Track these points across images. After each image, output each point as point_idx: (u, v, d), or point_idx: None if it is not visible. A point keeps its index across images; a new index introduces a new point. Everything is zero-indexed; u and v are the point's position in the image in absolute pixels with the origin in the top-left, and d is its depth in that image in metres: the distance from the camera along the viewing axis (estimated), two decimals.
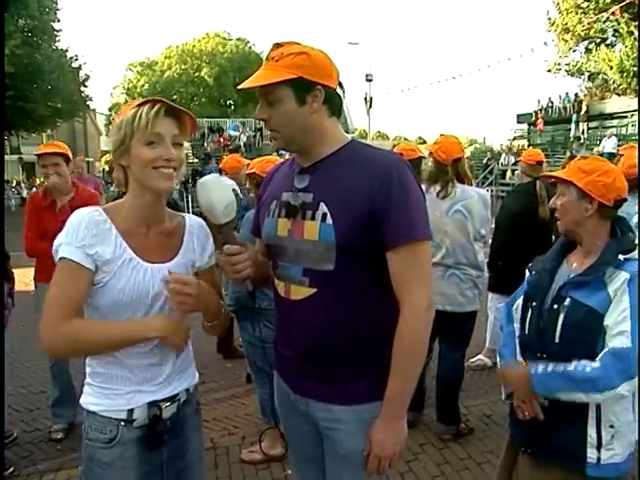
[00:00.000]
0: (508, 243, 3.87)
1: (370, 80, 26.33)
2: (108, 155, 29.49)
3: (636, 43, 17.86)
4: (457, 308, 3.23)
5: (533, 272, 1.91)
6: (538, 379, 1.67)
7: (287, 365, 1.62)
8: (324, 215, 1.41)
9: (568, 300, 1.70)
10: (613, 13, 14.48)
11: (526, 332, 1.85)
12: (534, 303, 1.82)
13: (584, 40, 21.31)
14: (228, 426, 3.57)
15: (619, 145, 15.83)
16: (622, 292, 1.62)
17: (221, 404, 3.95)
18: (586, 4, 19.83)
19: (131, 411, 1.46)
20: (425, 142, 66.64)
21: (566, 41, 20.81)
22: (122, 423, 1.45)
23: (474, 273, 3.25)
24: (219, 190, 1.45)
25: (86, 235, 1.36)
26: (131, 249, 1.43)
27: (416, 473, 3.05)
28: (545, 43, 18.59)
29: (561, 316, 1.70)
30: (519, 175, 4.85)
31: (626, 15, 16.43)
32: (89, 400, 1.48)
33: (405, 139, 69.22)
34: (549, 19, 21.62)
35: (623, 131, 18.87)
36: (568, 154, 12.39)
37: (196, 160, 25.30)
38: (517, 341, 1.91)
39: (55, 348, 1.47)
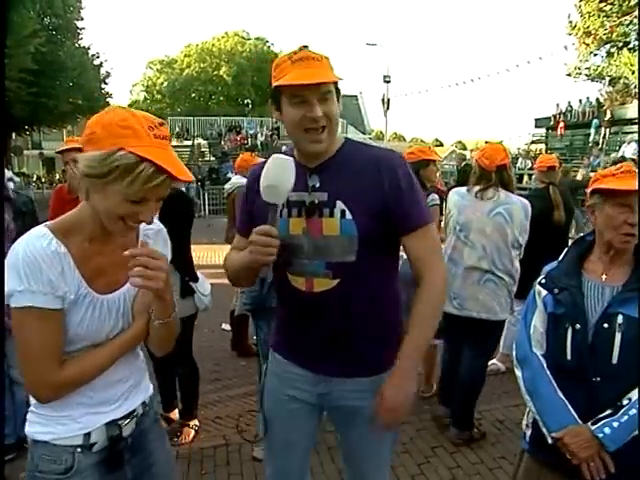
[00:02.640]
0: (524, 248, 3.86)
1: (388, 81, 26.24)
2: None
3: None
4: (492, 316, 3.19)
5: (556, 290, 1.74)
6: (609, 439, 1.57)
7: (304, 352, 1.72)
8: (343, 212, 1.55)
9: (621, 317, 1.61)
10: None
11: (568, 357, 1.69)
12: (577, 325, 1.67)
13: (606, 44, 20.97)
14: (241, 423, 3.60)
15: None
16: None
17: (234, 401, 3.99)
18: (609, 7, 19.56)
19: (88, 435, 1.35)
20: (442, 144, 66.68)
21: (587, 45, 20.50)
22: (78, 449, 1.34)
23: (508, 280, 3.20)
24: (268, 168, 1.48)
25: (49, 277, 1.21)
26: (84, 279, 1.28)
27: (427, 476, 3.06)
28: (565, 47, 18.37)
29: (617, 335, 1.60)
30: (536, 180, 4.84)
31: None
32: (37, 429, 1.34)
33: (422, 141, 68.89)
34: (570, 22, 21.34)
35: None
36: (586, 160, 12.28)
37: (213, 158, 25.48)
38: (548, 370, 1.74)
39: (59, 396, 1.31)
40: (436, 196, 3.69)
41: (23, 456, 3.07)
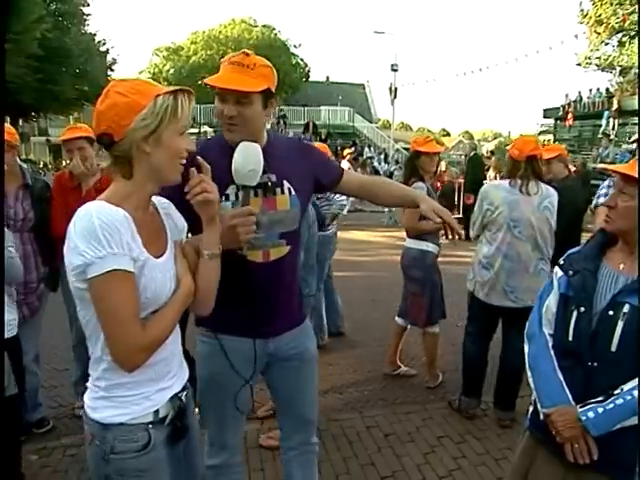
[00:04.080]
0: None
1: (395, 70, 26.09)
2: None
3: None
4: None
5: (571, 272, 1.76)
6: (592, 423, 1.59)
7: (249, 322, 1.90)
8: (289, 189, 1.88)
9: (627, 307, 1.60)
10: None
11: (570, 338, 1.72)
12: (582, 308, 1.69)
13: (617, 33, 20.67)
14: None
15: None
16: None
17: None
18: None
19: (157, 411, 1.44)
20: (449, 134, 66.33)
21: (598, 34, 20.23)
22: (150, 425, 1.42)
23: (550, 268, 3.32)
24: (246, 154, 1.66)
25: (126, 239, 1.28)
26: (142, 244, 1.35)
27: (432, 465, 3.06)
28: (576, 36, 18.15)
29: (619, 323, 1.60)
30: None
31: None
32: (110, 413, 1.38)
33: (429, 131, 68.72)
34: (582, 10, 21.06)
35: None
36: (595, 151, 12.16)
37: None
38: (552, 350, 1.78)
39: (146, 359, 1.36)
40: (422, 184, 3.74)
41: (31, 440, 3.14)
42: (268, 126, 2.00)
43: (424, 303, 3.90)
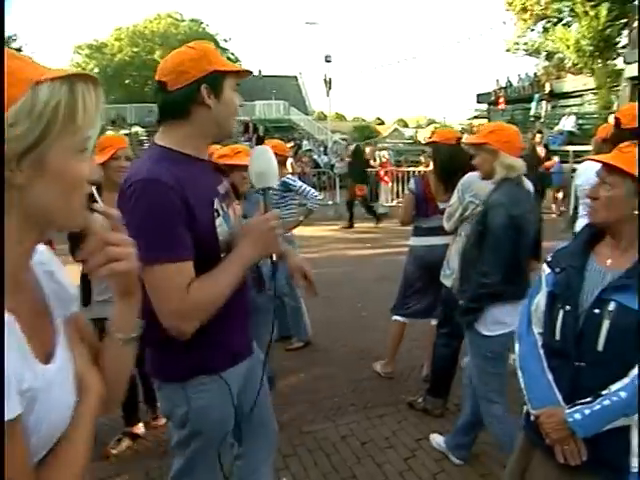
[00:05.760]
0: None
1: (329, 61, 25.98)
2: None
3: (593, 23, 18.17)
4: None
5: (557, 269, 1.72)
6: (579, 425, 1.55)
7: (242, 346, 1.76)
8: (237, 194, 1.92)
9: (613, 304, 1.54)
10: None
11: (557, 337, 1.68)
12: (567, 307, 1.64)
13: (542, 19, 21.41)
14: None
15: (578, 124, 16.19)
16: None
17: None
18: None
19: None
20: (383, 123, 67.12)
21: (525, 20, 20.90)
22: None
23: None
24: (265, 157, 1.67)
25: (13, 364, 0.74)
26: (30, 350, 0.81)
27: (415, 471, 2.95)
28: (504, 22, 18.69)
29: (605, 322, 1.54)
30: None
31: None
32: None
33: (363, 120, 69.35)
34: None
35: (580, 109, 19.29)
36: (529, 134, 12.51)
37: None
38: (541, 349, 1.73)
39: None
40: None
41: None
42: None
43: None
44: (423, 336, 4.15)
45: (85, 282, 2.75)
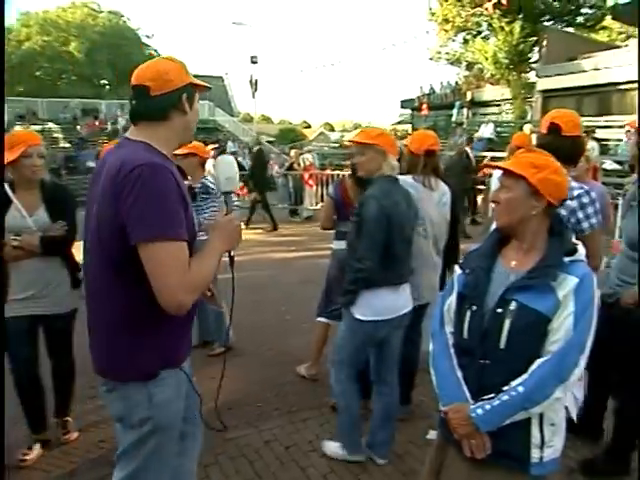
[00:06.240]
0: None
1: (255, 62, 25.79)
2: None
3: (508, 38, 19.11)
4: None
5: (467, 270, 1.79)
6: (481, 420, 1.62)
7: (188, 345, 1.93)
8: None
9: (514, 304, 1.62)
10: (486, 9, 15.31)
11: (464, 336, 1.75)
12: (474, 307, 1.71)
13: (462, 31, 22.24)
14: None
15: (496, 131, 17.07)
16: (569, 297, 1.58)
17: None
18: None
19: None
20: (310, 126, 67.54)
21: (446, 31, 21.61)
22: None
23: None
24: (230, 165, 1.79)
25: None
26: None
27: (338, 473, 2.93)
28: (427, 32, 19.28)
29: (507, 321, 1.62)
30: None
31: (497, 12, 17.42)
32: None
33: (290, 123, 69.42)
34: (430, 9, 22.35)
35: (498, 118, 20.57)
36: (451, 140, 12.98)
37: (68, 145, 23.23)
38: (452, 349, 1.80)
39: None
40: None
41: None
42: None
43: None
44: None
45: None
